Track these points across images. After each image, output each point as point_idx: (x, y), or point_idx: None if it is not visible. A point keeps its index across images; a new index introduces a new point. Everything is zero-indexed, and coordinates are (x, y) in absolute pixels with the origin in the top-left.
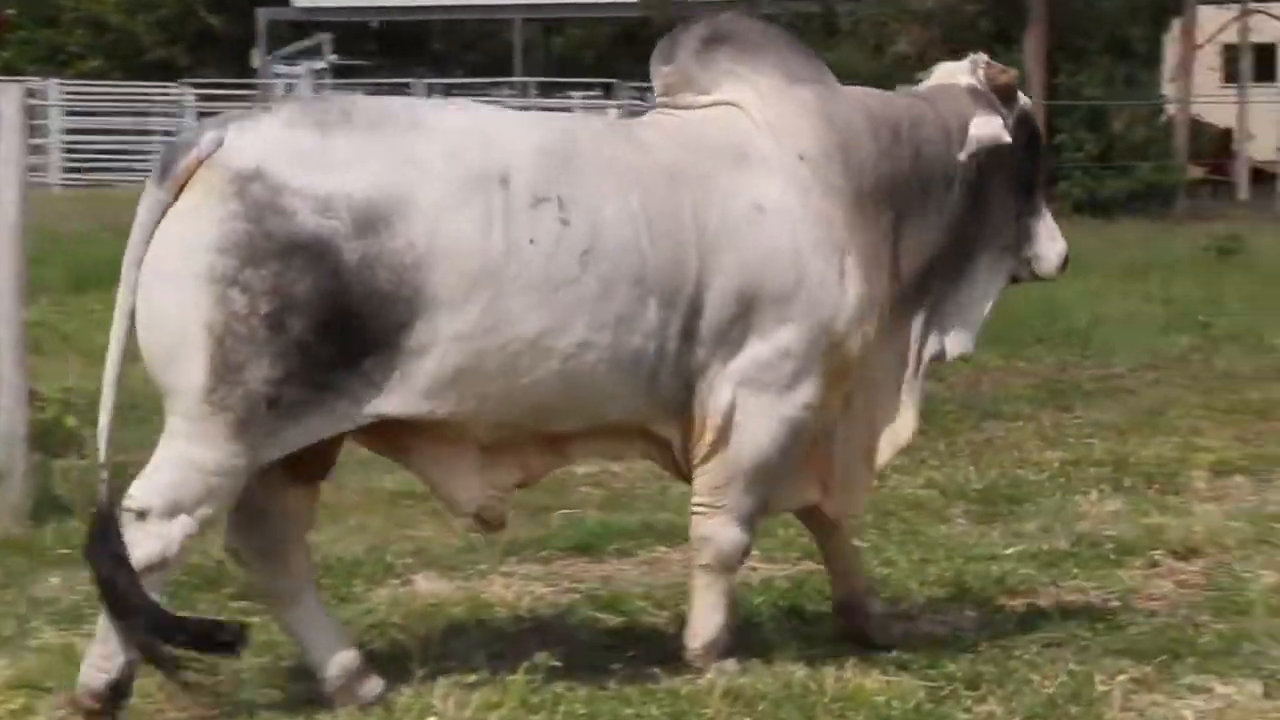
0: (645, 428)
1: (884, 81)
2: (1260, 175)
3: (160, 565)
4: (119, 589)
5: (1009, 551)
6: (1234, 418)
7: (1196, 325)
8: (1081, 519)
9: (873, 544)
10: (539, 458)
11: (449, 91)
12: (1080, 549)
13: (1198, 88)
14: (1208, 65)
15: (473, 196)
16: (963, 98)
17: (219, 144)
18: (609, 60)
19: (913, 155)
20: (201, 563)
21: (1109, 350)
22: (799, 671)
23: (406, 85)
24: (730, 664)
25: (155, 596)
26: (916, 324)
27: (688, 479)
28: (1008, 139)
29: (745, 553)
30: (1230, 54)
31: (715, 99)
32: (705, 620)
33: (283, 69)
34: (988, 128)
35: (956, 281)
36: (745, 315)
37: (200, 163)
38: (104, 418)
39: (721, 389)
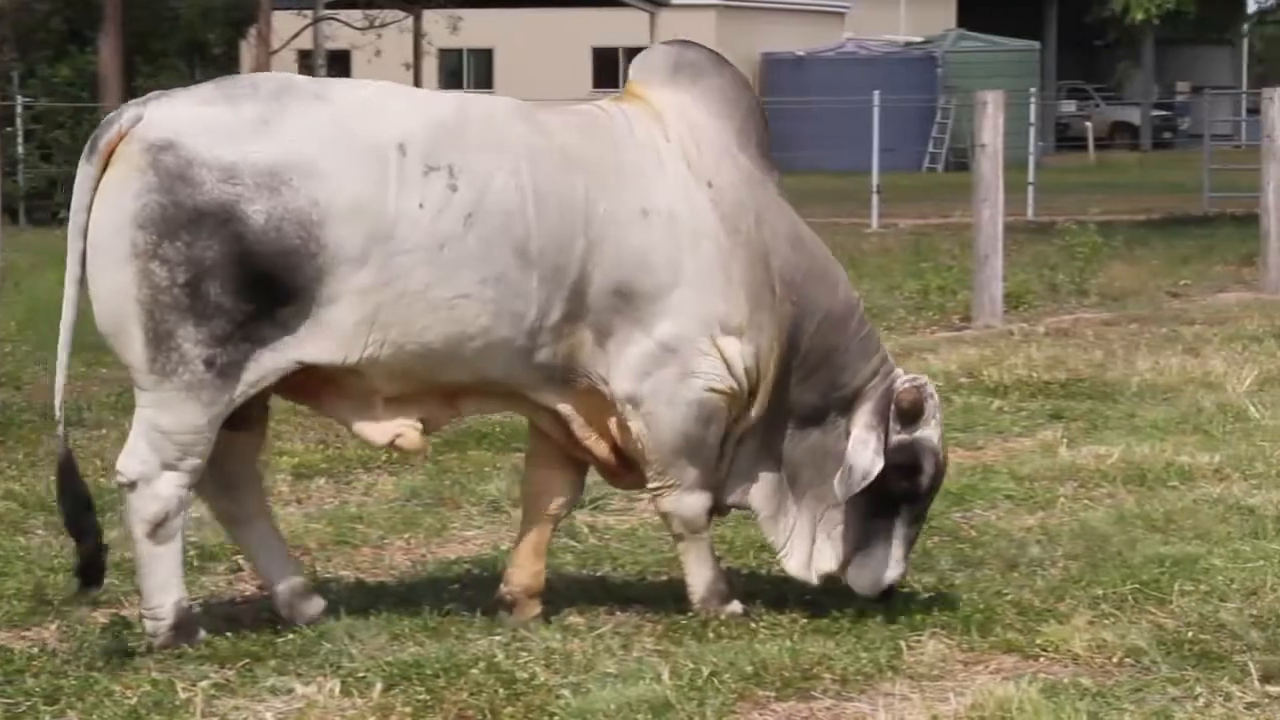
0: (528, 394)
1: None
2: None
3: (165, 520)
4: (79, 523)
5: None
6: (316, 420)
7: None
8: None
9: None
10: (434, 408)
11: None
12: None
13: None
14: (284, 70)
15: (372, 162)
16: (879, 389)
17: (138, 120)
18: None
19: (819, 316)
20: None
21: None
22: None
23: None
24: (736, 606)
25: (176, 545)
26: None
27: (581, 453)
28: (876, 472)
29: (710, 512)
30: (306, 59)
31: (653, 99)
32: (697, 577)
33: None
34: (860, 458)
35: (774, 480)
36: (625, 309)
37: (121, 137)
38: (60, 377)
39: (622, 381)
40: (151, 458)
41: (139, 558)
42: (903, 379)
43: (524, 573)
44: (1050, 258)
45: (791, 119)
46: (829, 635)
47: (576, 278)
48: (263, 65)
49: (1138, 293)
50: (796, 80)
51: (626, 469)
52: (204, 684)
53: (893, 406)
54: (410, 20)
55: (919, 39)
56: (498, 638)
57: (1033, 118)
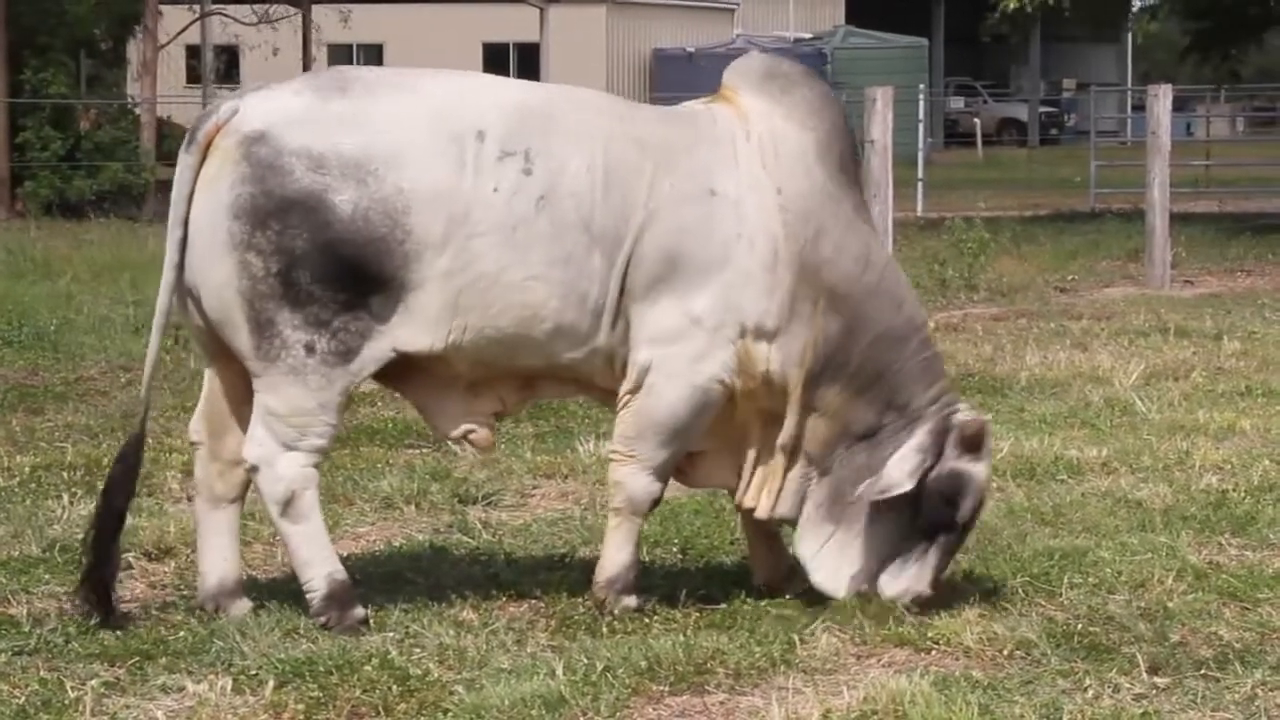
0: (595, 380)
1: None
2: None
3: (291, 499)
4: (111, 501)
5: None
6: None
7: (169, 326)
8: (54, 524)
9: None
10: (512, 392)
11: None
12: (52, 554)
13: (163, 88)
14: (173, 65)
15: (450, 149)
16: (938, 416)
17: (234, 113)
18: None
19: (875, 334)
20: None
21: (80, 353)
22: None
23: None
24: (632, 600)
25: (313, 522)
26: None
27: None
28: (901, 490)
29: (655, 502)
30: (194, 55)
31: (741, 102)
32: (612, 558)
33: None
34: (894, 470)
35: (819, 489)
36: (669, 279)
37: (218, 129)
38: (149, 362)
39: (641, 348)
40: (269, 441)
41: (281, 537)
42: (967, 410)
43: (766, 566)
44: (939, 253)
45: None
46: (722, 630)
47: (631, 249)
48: (150, 60)
49: (1026, 288)
50: (687, 76)
51: (691, 465)
52: (93, 682)
53: (956, 432)
54: (299, 15)
55: (808, 35)
56: (391, 634)
57: (921, 114)
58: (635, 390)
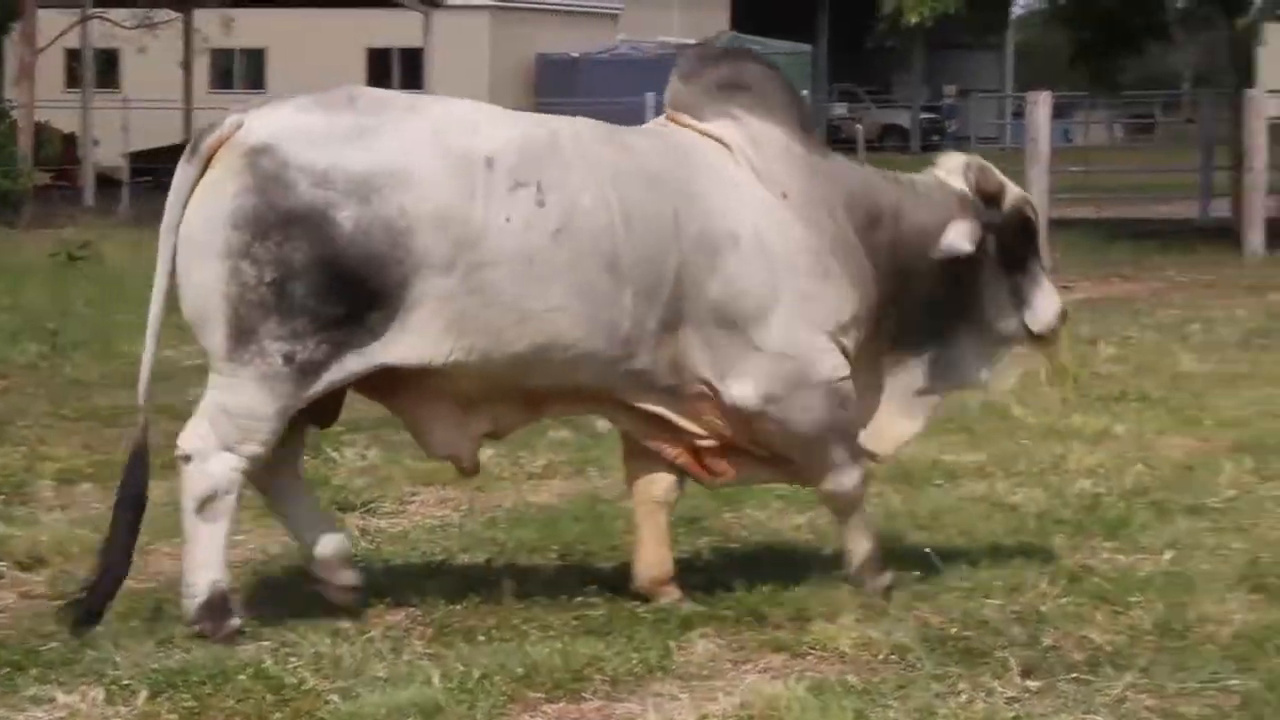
0: (620, 398)
1: None
2: (105, 180)
3: (212, 498)
4: (122, 516)
5: None
6: (82, 425)
7: (45, 332)
8: None
9: None
10: (512, 412)
11: None
12: None
13: (42, 92)
14: (51, 70)
15: (459, 174)
16: (950, 199)
17: (239, 126)
18: None
19: (890, 240)
20: None
21: None
22: None
23: None
24: (887, 578)
25: (221, 526)
26: (910, 364)
27: (670, 456)
28: (968, 249)
29: (864, 484)
30: (73, 58)
31: (710, 130)
32: (857, 548)
33: None
34: (953, 238)
35: (952, 340)
36: (731, 329)
37: (222, 142)
38: (145, 368)
39: (744, 391)
40: (210, 436)
41: (185, 532)
42: (955, 172)
43: (650, 565)
44: None
45: None
46: (599, 636)
47: (672, 294)
48: (28, 64)
49: None
50: (571, 82)
51: (716, 469)
52: None
53: (975, 189)
54: (181, 19)
55: (692, 41)
56: (266, 643)
57: None
58: (765, 430)
